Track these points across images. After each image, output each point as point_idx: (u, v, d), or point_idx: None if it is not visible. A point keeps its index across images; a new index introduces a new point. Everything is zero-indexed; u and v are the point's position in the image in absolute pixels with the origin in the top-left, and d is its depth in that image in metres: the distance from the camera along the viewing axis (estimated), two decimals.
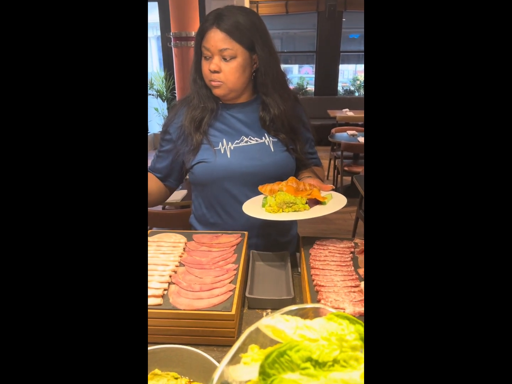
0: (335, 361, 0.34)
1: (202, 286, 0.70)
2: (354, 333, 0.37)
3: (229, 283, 0.71)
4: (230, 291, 0.68)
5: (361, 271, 0.75)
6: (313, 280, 0.71)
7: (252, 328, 0.40)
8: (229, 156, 0.95)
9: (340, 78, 6.41)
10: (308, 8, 5.76)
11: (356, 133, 3.95)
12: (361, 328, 0.38)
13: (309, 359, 0.34)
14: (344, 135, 3.93)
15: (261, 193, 0.92)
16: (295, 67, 7.05)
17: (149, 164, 1.07)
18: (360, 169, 3.33)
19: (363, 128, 4.25)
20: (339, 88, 6.36)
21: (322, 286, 0.69)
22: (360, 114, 5.07)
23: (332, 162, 4.15)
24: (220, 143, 0.96)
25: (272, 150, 0.97)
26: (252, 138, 0.98)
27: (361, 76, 6.47)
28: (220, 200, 0.99)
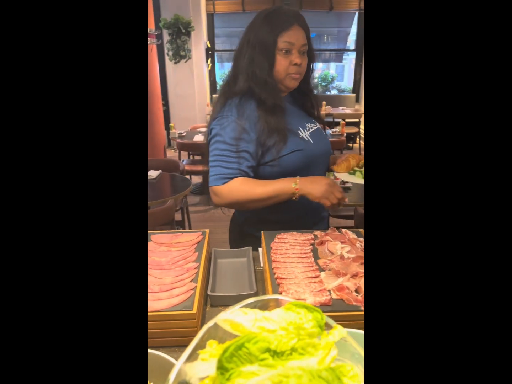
0: (293, 350, 0.35)
1: (161, 286, 0.68)
2: (312, 321, 0.38)
3: (190, 282, 0.70)
4: (190, 290, 0.67)
5: (321, 262, 0.76)
6: (275, 274, 0.72)
7: (210, 324, 0.39)
8: (312, 142, 1.01)
9: None
10: (264, 7, 5.79)
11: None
12: (318, 316, 0.39)
13: (268, 350, 0.34)
14: None
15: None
16: None
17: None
18: None
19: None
20: None
21: (283, 278, 0.69)
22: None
23: None
24: (299, 131, 1.01)
25: (325, 134, 1.11)
26: (311, 124, 1.06)
27: (317, 74, 6.62)
28: None
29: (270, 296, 0.43)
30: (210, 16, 6.02)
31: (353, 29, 6.11)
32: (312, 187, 0.88)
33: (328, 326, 0.39)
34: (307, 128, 1.04)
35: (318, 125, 1.10)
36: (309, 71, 1.04)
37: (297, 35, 0.93)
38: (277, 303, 0.47)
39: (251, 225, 1.09)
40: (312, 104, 1.11)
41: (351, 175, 1.09)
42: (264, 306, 0.46)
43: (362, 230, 0.92)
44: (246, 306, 0.43)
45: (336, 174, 1.11)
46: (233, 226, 1.19)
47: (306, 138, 1.01)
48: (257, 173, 0.98)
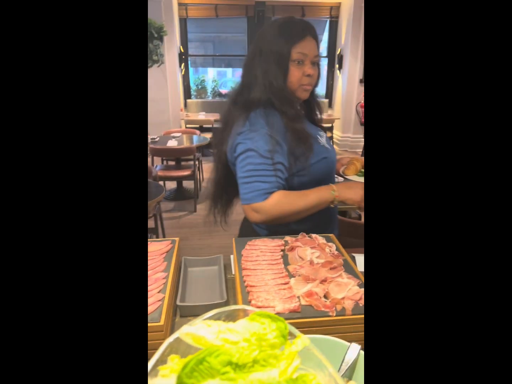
0: (255, 362, 0.34)
1: None
2: (275, 330, 0.38)
3: (158, 292, 0.68)
4: (158, 301, 0.65)
5: (291, 268, 0.76)
6: (245, 281, 0.71)
7: (171, 338, 0.38)
8: (330, 148, 1.05)
9: None
10: (237, 13, 5.83)
11: None
12: (282, 325, 0.39)
13: (229, 363, 0.34)
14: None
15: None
16: (229, 71, 7.09)
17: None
18: None
19: None
20: None
21: (253, 286, 0.69)
22: None
23: None
24: (318, 139, 1.03)
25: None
26: (321, 132, 1.08)
27: None
28: None
29: (234, 307, 0.42)
30: (183, 21, 5.99)
31: (325, 36, 6.24)
32: (350, 192, 0.91)
33: (291, 335, 0.39)
34: (320, 135, 1.06)
35: (325, 133, 1.12)
36: (317, 81, 1.05)
37: (310, 46, 0.95)
38: (246, 313, 0.46)
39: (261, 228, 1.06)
40: (316, 114, 1.13)
41: (360, 177, 1.18)
42: (232, 316, 0.45)
43: (331, 235, 0.93)
44: (211, 318, 0.42)
45: (346, 177, 1.20)
46: (245, 229, 1.15)
47: (326, 146, 1.04)
48: (288, 184, 0.95)
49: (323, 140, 1.05)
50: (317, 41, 0.98)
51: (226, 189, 1.15)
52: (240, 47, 6.27)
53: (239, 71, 6.78)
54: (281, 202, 0.89)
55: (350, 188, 0.92)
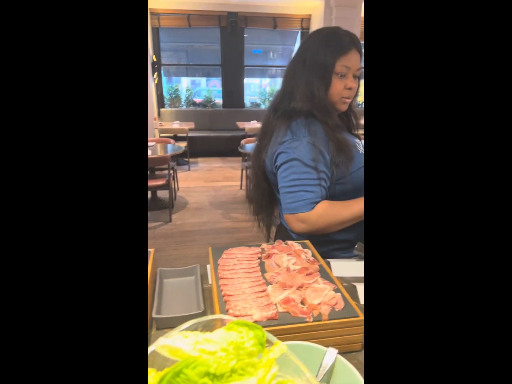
0: (233, 371, 0.34)
1: None
2: (253, 339, 0.38)
3: None
4: None
5: (268, 275, 0.77)
6: (222, 291, 0.71)
7: (147, 351, 0.37)
8: None
9: (247, 92, 6.64)
10: (210, 23, 5.87)
11: None
12: (259, 333, 0.39)
13: (207, 374, 0.33)
14: (253, 146, 4.06)
15: None
16: (203, 80, 7.09)
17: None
18: None
19: None
20: (246, 101, 6.58)
21: (230, 295, 0.69)
22: None
23: (243, 172, 4.25)
24: (358, 147, 1.02)
25: None
26: (357, 141, 1.07)
27: (265, 89, 6.80)
28: None
29: (211, 316, 0.42)
30: (156, 30, 5.96)
31: (297, 47, 6.39)
32: None
33: (269, 343, 0.39)
34: (358, 144, 1.07)
35: (361, 141, 1.12)
36: (357, 92, 1.04)
37: (354, 59, 0.95)
38: (223, 322, 0.46)
39: (316, 246, 1.03)
40: (353, 123, 1.13)
41: None
42: (209, 326, 0.45)
43: (307, 241, 0.95)
44: (187, 329, 0.41)
45: None
46: (281, 235, 1.14)
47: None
48: (329, 192, 0.96)
49: (361, 148, 1.05)
50: (361, 54, 0.97)
51: (268, 195, 1.15)
52: (213, 57, 6.30)
53: (213, 80, 6.81)
54: (326, 212, 0.90)
55: None
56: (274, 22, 5.95)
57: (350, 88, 0.96)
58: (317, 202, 0.91)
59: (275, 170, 0.97)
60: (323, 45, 0.93)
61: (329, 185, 0.95)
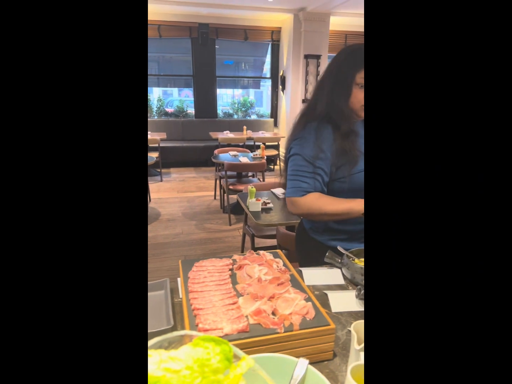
0: None
1: None
2: (219, 354, 0.37)
3: None
4: None
5: (239, 287, 0.76)
6: (191, 304, 0.69)
7: None
8: None
9: (219, 102, 6.65)
10: (181, 34, 5.86)
11: (238, 153, 4.13)
12: (226, 348, 0.38)
13: None
14: (226, 156, 4.05)
15: None
16: (175, 90, 7.04)
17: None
18: (243, 187, 3.48)
19: (243, 149, 4.47)
20: (219, 111, 6.59)
21: (200, 309, 0.67)
22: (240, 135, 5.33)
23: (217, 181, 4.23)
24: None
25: None
26: None
27: (238, 100, 6.84)
28: None
29: (176, 333, 0.41)
30: None
31: (268, 58, 6.49)
32: None
33: (236, 357, 0.38)
34: None
35: None
36: None
37: None
38: (191, 338, 0.45)
39: (317, 232, 1.17)
40: None
41: None
42: (178, 342, 0.43)
43: (279, 251, 0.95)
44: (152, 346, 0.40)
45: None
46: (300, 231, 1.26)
47: None
48: (329, 187, 1.08)
49: None
50: None
51: None
52: (185, 67, 6.28)
53: (185, 91, 6.78)
54: (313, 202, 1.03)
55: None
56: (245, 34, 6.03)
57: None
58: (308, 192, 1.05)
59: (287, 161, 1.14)
60: (348, 58, 1.04)
61: (328, 181, 1.08)
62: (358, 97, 1.03)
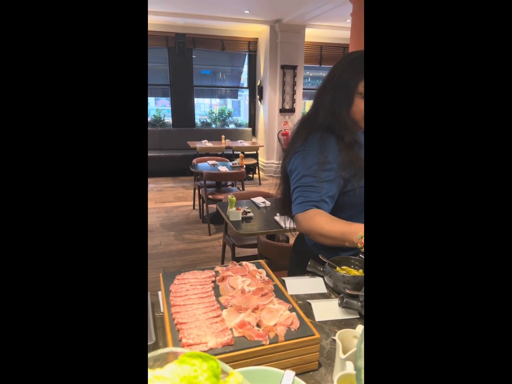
0: None
1: None
2: (207, 371, 0.36)
3: None
4: None
5: (223, 299, 0.75)
6: (174, 319, 0.67)
7: None
8: None
9: (197, 111, 6.63)
10: (158, 43, 5.84)
11: (216, 162, 4.11)
12: (214, 364, 0.37)
13: None
14: (205, 165, 4.03)
15: None
16: (151, 100, 6.97)
17: None
18: (223, 196, 3.46)
19: (222, 158, 4.46)
20: (197, 120, 6.57)
21: (184, 323, 0.66)
22: (218, 144, 5.33)
23: (196, 191, 4.19)
24: None
25: None
26: None
27: (215, 109, 6.85)
28: None
29: (161, 351, 0.40)
30: None
31: (245, 68, 6.55)
32: None
33: (224, 373, 0.38)
34: None
35: None
36: None
37: None
38: (175, 355, 0.44)
39: (315, 247, 1.10)
40: None
41: None
42: (162, 359, 0.42)
43: (261, 261, 0.94)
44: None
45: None
46: (298, 241, 1.21)
47: None
48: (339, 201, 1.02)
49: None
50: None
51: (289, 195, 1.18)
52: (162, 77, 6.24)
53: (162, 100, 6.73)
54: (312, 219, 0.95)
55: None
56: (222, 44, 6.07)
57: None
58: (309, 207, 0.97)
59: (289, 174, 1.08)
60: (349, 66, 1.00)
61: (338, 194, 1.02)
62: (360, 107, 0.99)
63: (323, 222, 0.93)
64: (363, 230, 0.85)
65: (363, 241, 0.84)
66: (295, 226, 1.03)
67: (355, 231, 0.86)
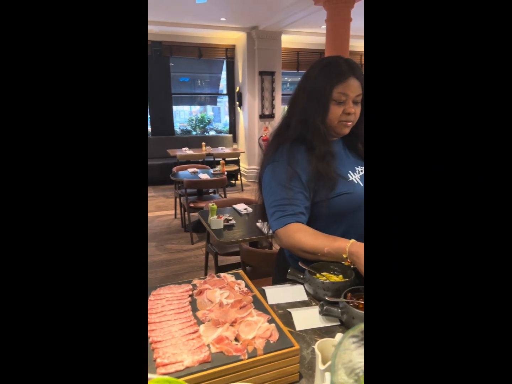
0: None
1: None
2: None
3: None
4: None
5: (200, 313, 0.73)
6: (149, 337, 0.65)
7: None
8: (362, 185, 1.03)
9: (177, 119, 6.58)
10: None
11: (197, 170, 4.08)
12: None
13: None
14: (186, 173, 3.99)
15: None
16: None
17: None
18: (204, 204, 3.43)
19: (203, 165, 4.43)
20: (176, 128, 6.52)
21: (159, 341, 0.63)
22: (199, 152, 5.29)
23: (177, 200, 4.14)
24: (349, 174, 1.03)
25: None
26: (361, 168, 1.07)
27: (195, 116, 6.82)
28: (357, 226, 1.01)
29: None
30: None
31: (223, 75, 6.56)
32: (359, 260, 0.81)
33: None
34: (357, 171, 1.06)
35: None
36: (362, 115, 1.03)
37: (352, 87, 0.96)
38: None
39: (295, 260, 1.07)
40: (358, 147, 1.11)
41: None
42: None
43: (240, 271, 0.93)
44: None
45: None
46: (279, 258, 1.19)
47: (355, 181, 1.03)
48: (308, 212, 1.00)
49: (355, 175, 1.05)
50: (361, 81, 0.97)
51: None
52: None
53: None
54: (292, 234, 0.93)
55: (358, 258, 0.82)
56: (199, 51, 6.06)
57: (349, 113, 0.99)
58: (287, 222, 0.95)
59: (262, 186, 1.06)
60: (322, 73, 0.98)
61: (309, 205, 1.00)
62: (335, 113, 0.98)
63: (304, 239, 0.91)
64: (347, 246, 0.85)
65: (348, 260, 0.84)
66: (276, 240, 1.00)
67: (339, 247, 0.86)
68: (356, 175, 1.06)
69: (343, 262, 0.88)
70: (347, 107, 0.98)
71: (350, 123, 1.01)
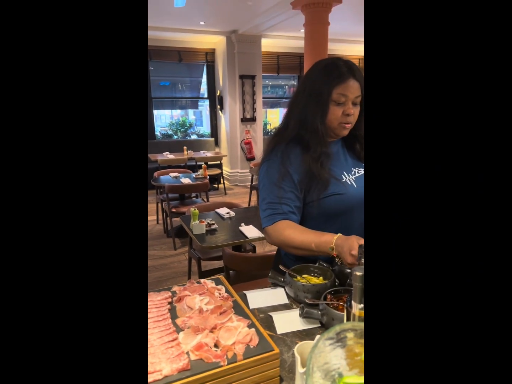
0: None
1: None
2: None
3: None
4: None
5: (179, 320, 0.72)
6: None
7: None
8: (356, 186, 1.03)
9: (158, 123, 6.51)
10: None
11: (179, 174, 4.04)
12: None
13: None
14: (167, 178, 3.95)
15: None
16: None
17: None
18: (187, 209, 3.40)
19: (185, 170, 4.40)
20: (157, 132, 6.45)
21: None
22: (180, 156, 5.25)
23: (159, 205, 4.09)
24: (343, 175, 1.04)
25: None
26: (358, 169, 1.08)
27: (176, 120, 6.76)
28: (349, 227, 1.01)
29: None
30: None
31: (204, 79, 6.54)
32: (344, 252, 0.85)
33: None
34: (353, 172, 1.07)
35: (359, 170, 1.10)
36: (361, 116, 1.03)
37: (352, 87, 0.97)
38: None
39: (290, 259, 1.10)
40: (362, 148, 1.10)
41: None
42: None
43: (221, 277, 0.92)
44: None
45: None
46: (276, 258, 1.20)
47: (349, 183, 1.04)
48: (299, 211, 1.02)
49: (350, 176, 1.05)
50: (360, 82, 0.98)
51: None
52: None
53: None
54: (282, 231, 0.96)
55: (343, 248, 0.86)
56: (179, 55, 6.03)
57: (348, 114, 0.99)
58: (277, 220, 0.98)
59: (258, 184, 1.09)
60: (321, 74, 0.99)
61: (300, 205, 1.02)
62: (335, 114, 0.98)
63: (293, 235, 0.95)
64: (334, 239, 0.89)
65: (334, 252, 0.88)
66: (265, 236, 1.03)
67: (326, 241, 0.90)
68: (351, 176, 1.06)
69: (331, 255, 0.91)
70: (346, 108, 0.99)
71: (349, 125, 1.02)
